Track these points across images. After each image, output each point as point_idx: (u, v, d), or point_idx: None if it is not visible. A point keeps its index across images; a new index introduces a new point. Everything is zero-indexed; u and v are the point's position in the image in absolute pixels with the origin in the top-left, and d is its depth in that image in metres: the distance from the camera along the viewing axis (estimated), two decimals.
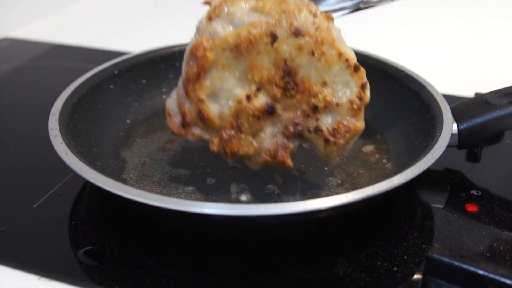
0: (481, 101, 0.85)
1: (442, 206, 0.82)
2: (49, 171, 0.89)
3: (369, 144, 0.92)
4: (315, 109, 0.75)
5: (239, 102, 0.75)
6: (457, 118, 0.83)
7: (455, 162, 0.90)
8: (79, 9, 1.75)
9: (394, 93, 0.95)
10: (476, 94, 1.02)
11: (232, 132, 0.76)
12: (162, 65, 1.05)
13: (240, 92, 0.75)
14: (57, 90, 0.89)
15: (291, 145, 0.78)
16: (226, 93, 0.76)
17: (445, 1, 1.75)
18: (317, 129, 0.76)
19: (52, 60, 1.36)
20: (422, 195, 0.84)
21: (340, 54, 0.74)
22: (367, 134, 0.94)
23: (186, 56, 0.78)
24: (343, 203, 0.65)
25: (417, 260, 0.71)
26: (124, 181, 0.83)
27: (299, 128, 0.77)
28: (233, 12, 0.75)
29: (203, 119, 0.76)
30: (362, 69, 0.76)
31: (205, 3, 0.78)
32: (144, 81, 1.03)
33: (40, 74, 1.30)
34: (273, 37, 0.73)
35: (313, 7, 0.74)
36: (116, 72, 0.98)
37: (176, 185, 0.83)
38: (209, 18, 0.75)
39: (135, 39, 1.50)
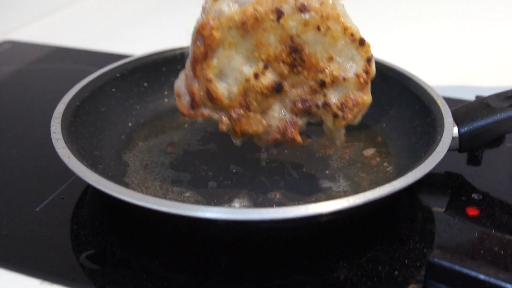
0: (482, 104, 0.85)
1: (443, 209, 0.82)
2: (51, 174, 0.89)
3: (370, 147, 0.92)
4: (322, 84, 0.76)
5: (247, 80, 0.76)
6: (458, 121, 0.83)
7: (456, 166, 0.90)
8: (79, 10, 1.75)
9: (395, 95, 0.96)
10: (477, 97, 1.02)
11: (241, 111, 0.77)
12: (164, 68, 1.05)
13: (248, 70, 0.76)
14: (59, 93, 0.90)
15: (299, 122, 0.79)
16: (234, 71, 0.76)
17: (446, 3, 1.75)
18: (325, 104, 0.77)
19: (54, 62, 1.36)
20: (423, 198, 0.84)
21: (345, 29, 0.75)
22: (368, 137, 0.94)
23: (193, 36, 0.78)
24: (344, 208, 0.65)
25: (418, 264, 0.71)
26: (126, 185, 0.83)
27: (307, 104, 0.77)
28: None
29: (211, 98, 0.77)
30: (367, 43, 0.76)
31: None
32: (146, 84, 1.03)
33: (42, 77, 1.30)
34: (279, 13, 0.74)
35: None
36: (118, 75, 0.99)
37: (178, 188, 0.83)
38: None
39: (137, 41, 1.50)
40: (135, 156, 0.91)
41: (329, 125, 0.79)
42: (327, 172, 0.87)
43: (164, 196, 0.82)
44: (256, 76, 0.76)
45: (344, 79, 0.76)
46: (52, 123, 0.81)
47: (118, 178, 0.84)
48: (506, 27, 1.53)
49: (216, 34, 0.75)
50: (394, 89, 0.96)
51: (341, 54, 0.76)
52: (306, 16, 0.74)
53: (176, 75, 1.02)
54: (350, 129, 0.86)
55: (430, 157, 0.73)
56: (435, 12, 1.68)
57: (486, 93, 0.89)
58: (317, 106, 0.77)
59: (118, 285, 0.68)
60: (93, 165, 0.78)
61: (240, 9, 0.74)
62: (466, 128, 0.83)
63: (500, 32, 1.51)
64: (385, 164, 0.89)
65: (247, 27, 0.74)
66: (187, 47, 0.98)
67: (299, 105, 0.78)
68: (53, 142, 0.77)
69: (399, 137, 0.92)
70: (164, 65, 1.05)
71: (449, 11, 1.69)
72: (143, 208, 0.66)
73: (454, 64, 1.34)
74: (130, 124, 0.98)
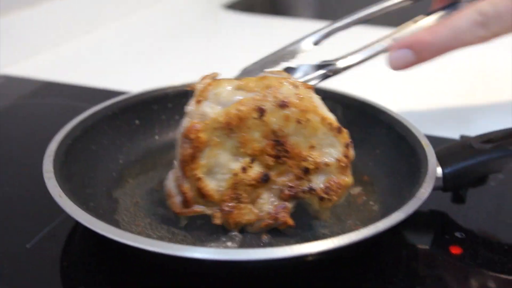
0: (465, 146, 0.86)
1: (427, 247, 0.83)
2: (42, 210, 0.90)
3: (357, 186, 0.94)
4: (306, 171, 0.80)
5: (235, 174, 0.79)
6: (442, 162, 0.85)
7: (440, 204, 0.92)
8: (75, 47, 1.76)
9: (381, 135, 0.97)
10: (462, 136, 1.04)
11: (232, 204, 0.80)
12: (155, 106, 1.07)
13: (235, 165, 0.80)
14: (51, 129, 0.91)
15: (289, 205, 0.82)
16: (222, 168, 0.80)
17: None
18: (311, 189, 0.81)
19: (47, 97, 1.38)
20: (407, 236, 0.85)
21: (323, 119, 0.79)
22: (355, 176, 0.95)
23: (179, 139, 0.81)
24: (329, 249, 0.66)
25: None
26: (116, 222, 0.84)
27: (294, 190, 0.81)
28: (219, 93, 0.79)
29: (202, 195, 0.80)
30: (345, 130, 0.81)
31: (189, 89, 0.84)
32: (137, 122, 1.04)
33: (35, 112, 1.31)
34: (261, 111, 0.78)
35: (292, 79, 0.81)
36: (109, 113, 1.00)
37: (167, 227, 0.84)
38: (197, 101, 0.80)
39: (130, 78, 1.52)
40: (125, 193, 0.92)
41: (315, 208, 0.83)
42: None
43: (154, 233, 0.83)
44: (243, 170, 0.80)
45: (326, 164, 0.80)
46: (44, 162, 0.82)
47: (109, 216, 0.86)
48: (492, 65, 1.55)
49: (203, 136, 0.78)
50: (381, 130, 0.98)
51: (321, 142, 0.80)
52: (287, 111, 0.78)
53: (167, 113, 1.05)
54: None
55: (414, 198, 0.75)
56: None
57: (470, 132, 0.91)
58: (303, 191, 0.81)
59: None
60: (84, 203, 0.79)
61: (223, 110, 0.78)
62: (449, 169, 0.84)
63: (486, 70, 1.53)
64: (371, 202, 0.90)
65: (232, 126, 0.78)
66: (178, 86, 1.00)
67: (287, 191, 0.81)
68: (45, 181, 0.78)
69: (385, 176, 0.93)
70: (155, 103, 1.07)
71: None
72: (133, 247, 0.67)
73: (439, 102, 1.35)
74: (121, 162, 0.99)
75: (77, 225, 0.86)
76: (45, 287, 0.75)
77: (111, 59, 1.69)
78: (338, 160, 0.81)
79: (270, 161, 0.80)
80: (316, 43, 0.98)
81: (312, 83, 0.93)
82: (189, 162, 0.80)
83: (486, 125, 0.93)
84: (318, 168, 0.81)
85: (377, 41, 0.98)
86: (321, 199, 0.81)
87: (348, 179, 0.82)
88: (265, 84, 0.79)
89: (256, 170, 0.81)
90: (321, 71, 0.95)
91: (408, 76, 1.36)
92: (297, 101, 0.79)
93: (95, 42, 1.82)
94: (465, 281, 0.76)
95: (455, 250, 0.82)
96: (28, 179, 1.00)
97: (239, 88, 0.80)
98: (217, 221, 0.81)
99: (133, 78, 1.52)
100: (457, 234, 0.85)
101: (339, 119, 1.02)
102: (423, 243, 0.84)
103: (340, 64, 0.96)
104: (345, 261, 0.79)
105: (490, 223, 0.90)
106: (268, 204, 0.81)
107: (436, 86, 1.44)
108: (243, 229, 0.81)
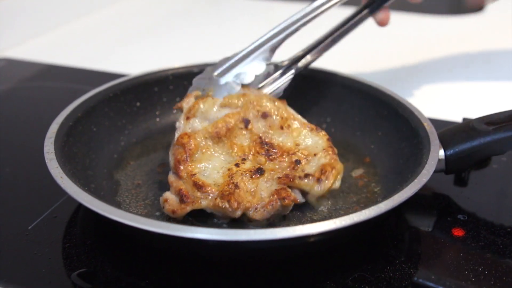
0: (468, 128, 0.86)
1: (430, 230, 0.83)
2: (43, 192, 0.90)
3: (359, 168, 0.94)
4: (298, 163, 0.85)
5: (229, 169, 0.84)
6: (444, 144, 0.85)
7: (443, 187, 0.92)
8: (75, 29, 1.76)
9: (383, 118, 0.97)
10: (464, 119, 1.04)
11: (232, 187, 0.80)
12: (156, 88, 1.06)
13: (228, 164, 0.85)
14: (53, 111, 0.91)
15: (289, 189, 0.82)
16: (215, 168, 0.85)
17: (434, 26, 1.76)
18: (307, 174, 0.83)
19: (48, 80, 1.37)
20: (410, 219, 0.85)
21: (302, 123, 0.91)
22: (357, 158, 0.96)
23: (172, 148, 0.87)
24: (331, 229, 0.66)
25: (403, 284, 0.72)
26: (118, 204, 0.84)
27: (291, 176, 0.83)
28: (207, 110, 0.90)
29: (199, 187, 0.81)
30: (322, 129, 0.91)
31: (177, 108, 0.92)
32: (138, 104, 1.04)
33: (36, 95, 1.31)
34: (246, 122, 0.89)
35: (268, 95, 0.95)
36: (110, 95, 1.00)
37: None
38: (187, 118, 0.89)
39: (131, 61, 1.51)
40: (127, 175, 0.92)
41: (314, 192, 0.83)
42: None
43: (155, 215, 0.83)
44: (237, 165, 0.85)
45: (315, 154, 0.87)
46: (45, 143, 0.82)
47: (110, 197, 0.86)
48: (494, 49, 1.55)
49: (194, 141, 0.85)
50: (383, 111, 0.97)
51: (305, 140, 0.89)
52: (269, 120, 0.90)
53: (167, 95, 1.05)
54: (339, 150, 0.88)
55: (416, 179, 0.75)
56: (423, 34, 1.69)
57: (473, 115, 0.91)
58: (299, 177, 0.83)
59: None
60: (85, 185, 0.79)
61: (212, 124, 0.88)
62: (451, 151, 0.84)
63: (488, 54, 1.53)
64: (373, 184, 0.90)
65: (220, 135, 0.87)
66: (179, 68, 1.00)
67: (284, 178, 0.83)
68: (47, 162, 0.78)
69: (387, 158, 0.93)
70: (156, 85, 1.06)
71: (437, 33, 1.71)
72: (134, 228, 0.67)
73: (442, 85, 1.35)
74: (122, 144, 0.99)
75: (79, 206, 0.86)
76: (47, 268, 0.75)
77: (111, 41, 1.68)
78: (325, 150, 0.87)
79: (262, 158, 0.85)
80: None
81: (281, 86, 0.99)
82: (183, 162, 0.83)
83: (489, 108, 0.92)
84: (308, 158, 0.86)
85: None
86: (319, 180, 0.82)
87: (338, 165, 0.85)
88: (247, 100, 0.91)
89: (249, 165, 0.85)
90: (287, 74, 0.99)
91: (411, 59, 1.36)
92: (277, 111, 0.91)
93: (95, 25, 1.81)
94: (467, 263, 0.76)
95: (458, 232, 0.82)
96: (30, 161, 1.00)
97: (224, 105, 0.91)
98: (219, 203, 0.79)
99: (134, 61, 1.51)
100: (460, 217, 0.85)
101: (341, 102, 1.03)
102: (425, 226, 0.84)
103: (301, 63, 1.01)
104: (348, 244, 0.79)
105: (493, 205, 0.90)
106: (267, 190, 0.81)
107: (439, 68, 1.44)
108: (247, 219, 0.80)
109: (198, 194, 0.80)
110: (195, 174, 0.82)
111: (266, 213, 0.79)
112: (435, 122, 0.89)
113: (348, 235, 0.77)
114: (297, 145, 0.88)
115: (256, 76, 0.96)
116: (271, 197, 0.80)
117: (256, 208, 0.79)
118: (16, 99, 1.29)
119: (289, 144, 0.88)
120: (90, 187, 0.82)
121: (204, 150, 0.85)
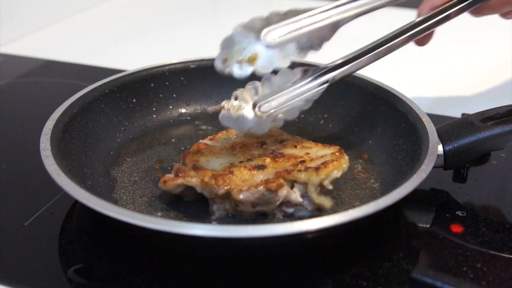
0: (466, 123, 0.86)
1: (428, 226, 0.83)
2: (40, 188, 0.90)
3: (357, 163, 0.93)
4: (302, 162, 0.84)
5: (232, 164, 0.84)
6: (443, 139, 0.84)
7: (441, 183, 0.92)
8: (71, 24, 1.75)
9: (381, 113, 0.97)
10: (463, 114, 1.04)
11: (226, 172, 0.80)
12: (152, 84, 1.06)
13: (232, 160, 0.86)
14: (49, 107, 0.91)
15: (280, 179, 0.80)
16: (219, 162, 0.85)
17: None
18: (307, 168, 0.82)
19: (45, 76, 1.37)
20: (408, 214, 0.85)
21: (316, 144, 0.90)
22: (355, 154, 0.95)
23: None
24: (329, 225, 0.66)
25: (401, 280, 0.72)
26: (115, 201, 0.84)
27: (290, 170, 0.82)
28: (228, 136, 0.93)
29: (196, 168, 0.82)
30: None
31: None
32: (134, 100, 1.04)
33: (32, 90, 1.30)
34: (262, 143, 0.90)
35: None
36: (106, 91, 0.99)
37: (165, 205, 0.84)
38: (209, 139, 0.93)
39: (128, 56, 1.51)
40: (123, 172, 0.92)
41: (313, 181, 0.81)
42: (312, 188, 0.87)
43: (152, 212, 0.82)
44: (241, 162, 0.85)
45: (322, 156, 0.86)
46: (41, 140, 0.81)
47: (107, 195, 0.85)
48: (492, 45, 1.54)
49: (208, 147, 0.89)
50: (381, 107, 0.97)
51: (317, 152, 0.87)
52: (284, 142, 0.91)
53: (164, 91, 1.05)
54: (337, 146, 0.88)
55: (415, 175, 0.74)
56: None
57: (472, 111, 0.90)
58: (299, 170, 0.81)
59: None
60: (82, 182, 0.79)
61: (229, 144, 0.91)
62: (450, 146, 0.84)
63: (487, 49, 1.53)
64: (372, 180, 0.89)
65: (235, 149, 0.89)
66: (175, 63, 0.99)
67: (282, 172, 0.82)
68: (43, 159, 0.77)
69: (385, 154, 0.93)
70: (152, 81, 1.06)
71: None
72: (132, 225, 0.66)
73: (441, 81, 1.35)
74: (118, 140, 0.99)
75: (75, 203, 0.86)
76: (43, 264, 0.75)
77: (109, 37, 1.68)
78: (333, 153, 0.85)
79: (268, 159, 0.85)
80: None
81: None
82: (192, 153, 0.86)
83: (488, 104, 0.92)
84: (313, 160, 0.84)
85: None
86: (317, 169, 0.80)
87: (343, 159, 0.84)
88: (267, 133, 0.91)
89: (253, 163, 0.84)
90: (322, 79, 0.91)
91: (410, 56, 1.35)
92: (292, 138, 0.92)
93: (92, 20, 1.81)
94: (465, 259, 0.76)
95: (456, 228, 0.82)
96: (26, 157, 0.99)
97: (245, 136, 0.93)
98: (206, 179, 0.79)
99: (132, 56, 1.51)
100: (458, 213, 0.85)
101: (339, 98, 1.02)
102: (423, 222, 0.84)
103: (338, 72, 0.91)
104: (346, 240, 0.79)
105: (492, 201, 0.89)
106: (261, 178, 0.81)
107: (439, 65, 1.44)
108: (234, 203, 0.80)
109: (193, 173, 0.81)
110: (198, 161, 0.84)
111: (250, 195, 0.78)
112: (432, 118, 0.88)
113: (347, 231, 0.76)
114: (307, 154, 0.87)
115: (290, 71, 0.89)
116: (260, 182, 0.79)
117: (240, 190, 0.78)
118: (13, 95, 1.29)
119: (298, 154, 0.87)
120: (86, 184, 0.82)
121: (215, 152, 0.88)
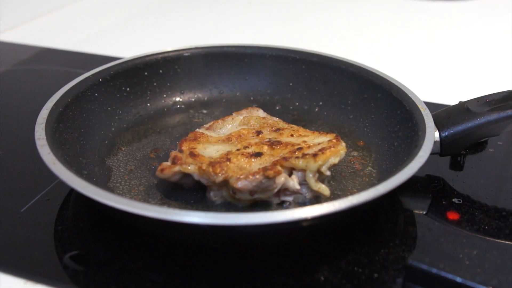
0: (462, 109, 0.86)
1: (424, 213, 0.83)
2: (36, 175, 0.90)
3: (353, 151, 0.93)
4: (299, 149, 0.83)
5: (229, 151, 0.84)
6: (439, 125, 0.84)
7: (438, 170, 0.92)
8: (68, 13, 1.75)
9: (377, 100, 0.97)
10: (460, 102, 1.03)
11: (224, 160, 0.81)
12: (146, 72, 1.06)
13: (230, 149, 0.85)
14: (45, 95, 0.90)
15: (278, 166, 0.80)
16: (216, 149, 0.86)
17: (430, 9, 1.76)
18: (304, 154, 0.82)
19: (41, 64, 1.37)
20: (405, 201, 0.85)
21: (312, 132, 0.90)
22: (350, 142, 0.95)
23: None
24: (329, 212, 0.66)
25: (397, 267, 0.72)
26: (111, 190, 0.84)
27: (287, 157, 0.81)
28: (223, 125, 0.93)
29: (193, 155, 0.82)
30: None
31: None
32: (128, 88, 1.03)
33: (29, 78, 1.30)
34: (258, 132, 0.91)
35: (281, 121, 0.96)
36: (100, 80, 0.99)
37: (161, 193, 0.84)
38: (206, 129, 0.93)
39: (123, 44, 1.51)
40: (118, 161, 0.91)
41: (311, 167, 0.81)
42: (311, 175, 0.87)
43: (148, 200, 0.82)
44: (238, 150, 0.85)
45: (319, 144, 0.85)
46: (36, 129, 0.80)
47: (103, 184, 0.85)
48: (490, 32, 1.54)
49: (205, 136, 0.89)
50: (376, 94, 0.97)
51: (314, 140, 0.87)
52: (281, 131, 0.91)
53: (158, 80, 1.04)
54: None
55: (413, 161, 0.74)
56: (419, 18, 1.69)
57: (468, 98, 0.90)
58: (296, 157, 0.81)
59: (101, 285, 0.69)
60: (77, 171, 0.78)
61: (226, 135, 0.91)
62: (447, 133, 0.84)
63: (485, 37, 1.53)
64: (369, 167, 0.89)
65: (232, 139, 0.89)
66: (169, 51, 0.98)
67: (280, 159, 0.81)
68: (38, 148, 0.76)
69: (381, 141, 0.93)
70: (146, 69, 1.06)
71: (434, 16, 1.71)
72: (130, 213, 0.66)
73: (438, 68, 1.35)
74: (113, 129, 0.98)
75: (71, 191, 0.85)
76: (39, 251, 0.75)
77: (105, 24, 1.68)
78: (330, 140, 0.85)
79: (265, 147, 0.85)
80: None
81: None
82: (189, 140, 0.87)
83: (484, 91, 0.92)
84: (311, 146, 0.84)
85: None
86: (315, 155, 0.80)
87: (340, 146, 0.83)
88: (263, 122, 0.94)
89: (250, 150, 0.84)
90: None
91: (406, 42, 1.36)
92: (288, 126, 0.92)
93: (90, 8, 1.81)
94: (461, 246, 0.75)
95: (452, 215, 0.82)
96: (23, 144, 0.99)
97: (242, 124, 0.94)
98: (203, 166, 0.79)
99: (128, 44, 1.51)
100: (455, 200, 0.85)
101: (334, 85, 1.02)
102: (420, 209, 0.83)
103: None
104: (343, 226, 0.78)
105: (488, 189, 0.89)
106: (258, 166, 0.81)
107: (437, 52, 1.44)
108: (232, 191, 0.79)
109: (190, 160, 0.81)
110: (194, 148, 0.84)
111: (248, 183, 0.77)
112: (428, 105, 0.88)
113: (345, 218, 0.76)
114: (304, 142, 0.86)
115: None
116: (257, 170, 0.79)
117: (238, 178, 0.78)
118: (10, 82, 1.29)
119: (295, 141, 0.87)
120: (82, 174, 0.82)
121: (212, 142, 0.88)
